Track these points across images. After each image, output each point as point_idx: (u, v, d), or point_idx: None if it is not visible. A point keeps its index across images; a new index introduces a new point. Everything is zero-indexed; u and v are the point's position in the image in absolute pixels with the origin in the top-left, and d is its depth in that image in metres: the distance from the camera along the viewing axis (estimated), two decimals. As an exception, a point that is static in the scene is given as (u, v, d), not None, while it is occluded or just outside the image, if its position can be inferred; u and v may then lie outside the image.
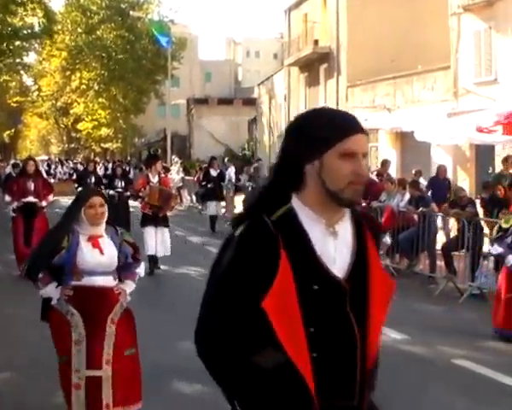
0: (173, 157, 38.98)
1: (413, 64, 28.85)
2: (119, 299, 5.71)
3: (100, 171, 33.90)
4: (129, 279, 5.91)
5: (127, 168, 34.27)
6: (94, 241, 5.61)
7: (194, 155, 56.28)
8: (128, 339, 5.74)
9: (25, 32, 42.12)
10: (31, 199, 13.50)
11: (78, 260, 5.53)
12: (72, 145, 78.14)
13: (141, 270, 6.05)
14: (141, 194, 14.09)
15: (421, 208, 14.11)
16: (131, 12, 53.79)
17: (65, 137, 80.00)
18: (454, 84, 26.34)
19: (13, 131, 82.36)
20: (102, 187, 22.06)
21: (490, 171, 23.05)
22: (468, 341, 9.12)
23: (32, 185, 13.51)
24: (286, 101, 43.54)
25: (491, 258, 12.76)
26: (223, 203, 21.96)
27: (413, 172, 19.45)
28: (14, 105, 70.15)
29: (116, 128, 61.63)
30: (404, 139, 29.26)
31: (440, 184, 17.78)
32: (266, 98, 49.08)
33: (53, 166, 52.05)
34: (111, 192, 21.35)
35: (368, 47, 31.68)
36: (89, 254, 5.56)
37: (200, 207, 28.96)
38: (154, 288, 12.34)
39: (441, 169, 18.78)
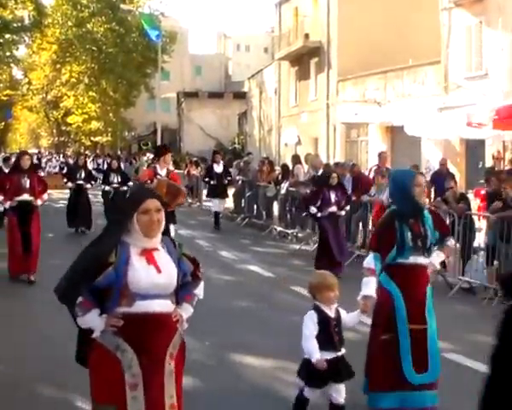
0: (163, 151, 38.85)
1: (404, 58, 28.88)
2: (177, 328, 4.53)
3: (90, 165, 33.86)
4: (186, 302, 4.69)
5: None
6: (148, 255, 4.42)
7: (184, 149, 56.26)
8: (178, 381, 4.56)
9: (15, 25, 42.03)
10: (26, 197, 12.24)
11: (130, 279, 4.32)
12: (62, 139, 77.98)
13: (200, 291, 4.81)
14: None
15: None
16: (122, 5, 53.69)
17: (55, 131, 79.81)
18: (445, 79, 26.39)
19: (2, 124, 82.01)
20: (93, 182, 21.72)
21: (480, 166, 23.14)
22: (457, 334, 9.13)
23: (27, 182, 12.24)
24: (276, 95, 43.57)
25: (482, 253, 12.84)
26: (226, 200, 21.52)
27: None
28: (4, 99, 69.89)
29: (106, 122, 61.49)
30: (395, 133, 29.35)
31: (444, 179, 17.90)
32: (257, 92, 49.07)
33: (44, 160, 52.02)
34: (107, 188, 20.92)
35: (358, 41, 31.70)
36: (143, 273, 4.35)
37: (190, 200, 28.96)
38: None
39: (443, 163, 19.09)
